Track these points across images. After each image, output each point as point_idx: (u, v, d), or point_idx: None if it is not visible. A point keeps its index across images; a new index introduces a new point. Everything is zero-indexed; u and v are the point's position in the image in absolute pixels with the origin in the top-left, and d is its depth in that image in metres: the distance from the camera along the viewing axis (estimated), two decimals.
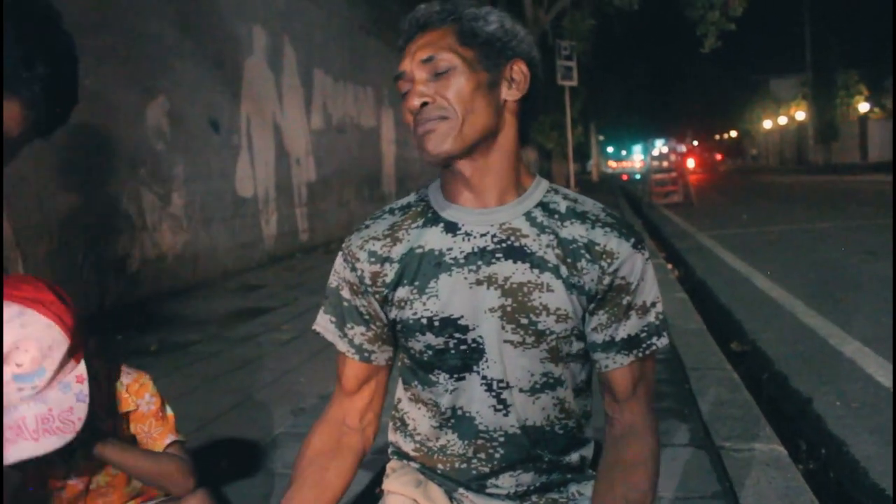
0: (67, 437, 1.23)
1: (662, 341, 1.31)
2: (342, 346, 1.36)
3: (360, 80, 11.17)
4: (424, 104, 1.22)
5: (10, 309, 1.23)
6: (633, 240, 1.27)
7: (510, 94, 1.27)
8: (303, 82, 9.03)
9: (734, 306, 5.27)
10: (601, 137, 51.12)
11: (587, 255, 1.25)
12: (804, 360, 3.86)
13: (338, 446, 1.37)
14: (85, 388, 1.28)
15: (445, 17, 1.26)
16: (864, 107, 41.73)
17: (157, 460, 1.47)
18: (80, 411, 1.26)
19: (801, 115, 48.42)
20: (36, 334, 1.23)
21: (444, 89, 1.22)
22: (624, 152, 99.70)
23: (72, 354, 1.28)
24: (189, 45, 6.58)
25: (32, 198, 4.68)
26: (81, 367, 1.30)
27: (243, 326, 4.61)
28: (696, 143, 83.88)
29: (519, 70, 1.27)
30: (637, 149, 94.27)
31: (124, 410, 1.52)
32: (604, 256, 1.25)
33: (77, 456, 1.43)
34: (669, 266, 6.96)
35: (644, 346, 1.29)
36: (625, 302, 1.27)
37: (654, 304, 1.30)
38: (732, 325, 4.77)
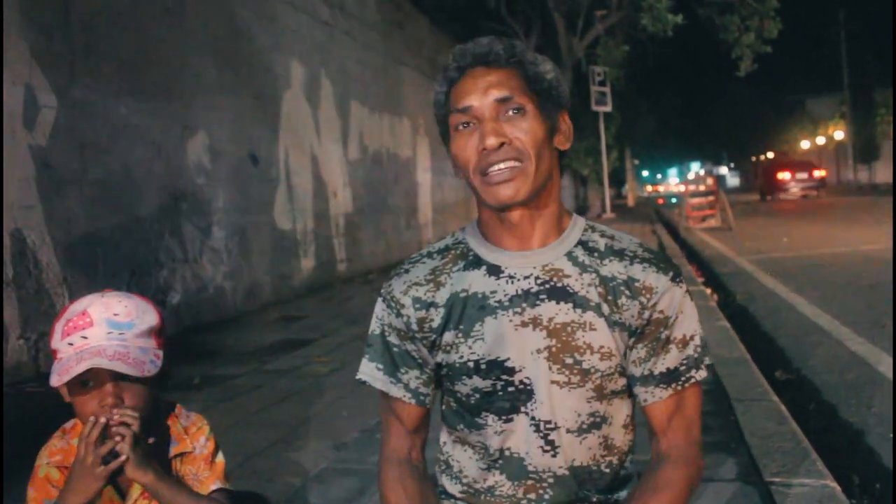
0: (136, 372, 1.39)
1: (701, 374, 1.30)
2: (396, 391, 1.35)
3: (396, 110, 11.29)
4: (502, 144, 1.21)
5: (121, 292, 1.52)
6: (671, 273, 1.27)
7: (561, 143, 1.29)
8: (339, 114, 9.15)
9: (777, 333, 5.18)
10: (636, 162, 50.89)
11: (627, 292, 1.26)
12: (853, 389, 3.76)
13: (419, 476, 1.36)
14: (159, 363, 1.46)
15: (509, 57, 1.25)
16: None
17: (198, 501, 1.49)
18: (151, 369, 1.43)
19: (839, 135, 47.74)
20: (136, 301, 1.50)
21: (517, 131, 1.21)
22: (659, 176, 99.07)
23: (156, 336, 1.49)
24: (229, 80, 6.71)
25: (80, 235, 4.79)
26: (160, 352, 1.48)
27: (284, 359, 4.64)
28: (732, 165, 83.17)
29: (565, 121, 1.30)
30: (672, 172, 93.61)
31: (180, 451, 1.55)
32: (643, 292, 1.26)
33: (125, 482, 1.47)
34: (709, 291, 6.86)
35: (683, 378, 1.29)
36: (663, 336, 1.27)
37: (692, 337, 1.29)
38: (776, 352, 4.68)
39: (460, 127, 1.24)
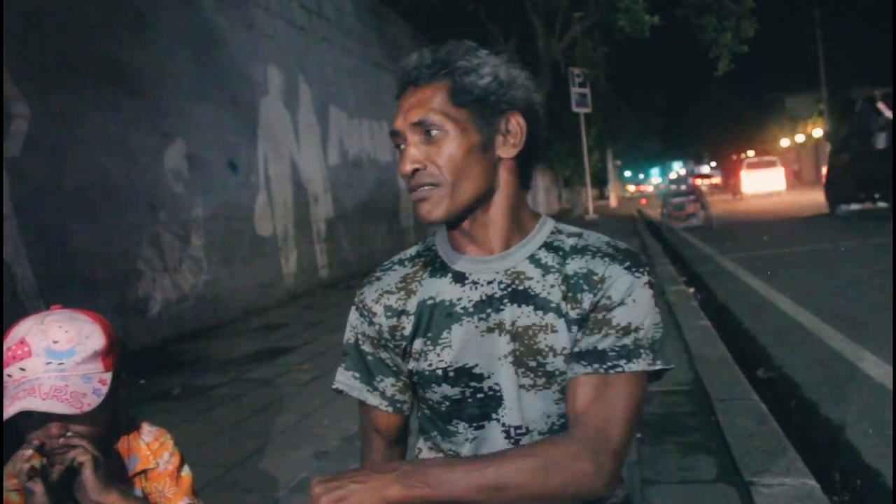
0: (72, 410, 1.32)
1: (632, 367, 1.19)
2: (373, 400, 1.34)
3: (375, 115, 11.26)
4: (416, 171, 1.22)
5: (65, 311, 1.44)
6: (627, 263, 1.24)
7: (505, 150, 1.26)
8: (319, 119, 9.12)
9: (758, 331, 5.20)
10: (618, 162, 51.20)
11: (586, 286, 1.24)
12: (834, 386, 3.78)
13: None
14: (104, 390, 1.38)
15: (437, 70, 1.24)
16: None
17: None
18: (92, 400, 1.36)
19: (818, 133, 48.07)
20: (78, 324, 1.41)
21: (435, 154, 1.22)
22: (642, 176, 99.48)
23: (103, 358, 1.41)
24: (206, 87, 6.67)
25: (56, 245, 4.74)
26: (107, 376, 1.40)
27: (265, 367, 4.61)
28: (713, 164, 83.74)
29: (515, 123, 1.25)
30: (655, 172, 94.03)
31: (142, 468, 1.52)
32: (598, 283, 1.23)
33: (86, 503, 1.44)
34: (691, 290, 6.87)
35: (609, 364, 1.19)
36: (601, 316, 1.21)
37: (637, 329, 1.21)
38: (757, 350, 4.70)
39: (399, 146, 1.27)
